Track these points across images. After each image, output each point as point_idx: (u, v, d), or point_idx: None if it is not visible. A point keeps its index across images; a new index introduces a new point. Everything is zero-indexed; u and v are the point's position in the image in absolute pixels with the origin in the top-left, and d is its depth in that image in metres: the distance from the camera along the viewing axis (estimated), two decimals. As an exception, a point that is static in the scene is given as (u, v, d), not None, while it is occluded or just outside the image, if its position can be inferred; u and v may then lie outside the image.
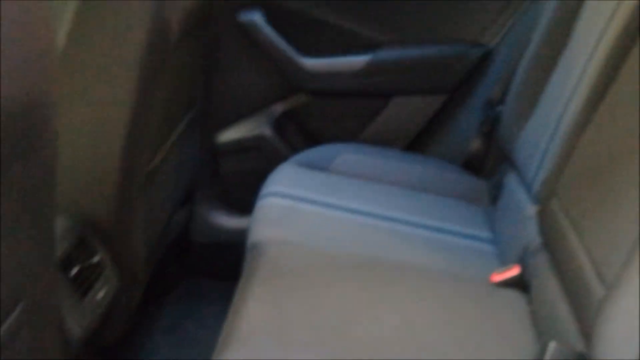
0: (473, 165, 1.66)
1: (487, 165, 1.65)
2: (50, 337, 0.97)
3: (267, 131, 1.77)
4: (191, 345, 1.63)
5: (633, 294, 0.84)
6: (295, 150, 1.74)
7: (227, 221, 1.85)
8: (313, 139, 1.79)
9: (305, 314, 1.08)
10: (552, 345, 0.96)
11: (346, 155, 1.62)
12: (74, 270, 1.11)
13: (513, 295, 1.21)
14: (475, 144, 1.66)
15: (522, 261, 1.25)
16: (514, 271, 1.24)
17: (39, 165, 0.84)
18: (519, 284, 1.23)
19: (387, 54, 1.69)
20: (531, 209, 1.29)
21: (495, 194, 1.53)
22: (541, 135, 1.35)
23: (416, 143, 1.77)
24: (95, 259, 1.16)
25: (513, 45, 1.64)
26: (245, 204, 1.79)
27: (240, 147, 1.79)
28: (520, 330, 1.11)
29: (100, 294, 1.16)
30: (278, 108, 1.77)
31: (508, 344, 1.08)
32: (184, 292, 1.83)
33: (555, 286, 1.11)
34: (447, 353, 1.04)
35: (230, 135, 1.79)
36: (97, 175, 1.18)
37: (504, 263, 1.33)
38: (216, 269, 1.87)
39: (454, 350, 1.05)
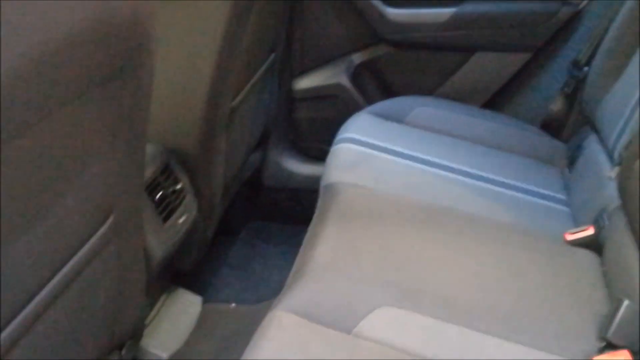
0: (552, 126, 1.63)
1: (566, 127, 1.62)
2: (134, 253, 1.03)
3: (344, 80, 1.78)
4: (257, 283, 1.67)
5: None
6: (370, 101, 1.75)
7: (298, 167, 1.88)
8: (390, 91, 1.79)
9: (373, 254, 1.10)
10: (625, 303, 0.96)
11: (422, 108, 1.62)
12: (158, 195, 1.16)
13: (586, 254, 1.20)
14: (556, 106, 1.62)
15: (597, 222, 1.24)
16: (588, 231, 1.23)
17: (136, 87, 0.88)
18: (593, 244, 1.22)
19: (473, 8, 1.66)
20: (611, 171, 1.26)
21: (573, 157, 1.51)
22: (627, 99, 1.31)
23: (494, 101, 1.75)
24: (178, 186, 1.21)
25: (604, 6, 1.59)
26: (317, 152, 1.82)
27: (317, 94, 1.81)
28: (592, 288, 1.10)
29: (180, 220, 1.21)
30: (357, 58, 1.77)
31: (578, 300, 1.08)
32: (253, 232, 1.88)
33: (631, 248, 1.09)
34: (514, 310, 1.04)
35: (307, 82, 1.81)
36: (185, 109, 1.22)
37: (578, 224, 1.31)
38: (284, 213, 1.91)
39: (522, 308, 1.05)
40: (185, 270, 1.37)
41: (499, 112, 1.73)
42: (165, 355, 1.21)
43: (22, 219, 0.72)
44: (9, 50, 0.59)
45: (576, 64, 1.59)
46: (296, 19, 1.73)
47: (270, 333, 0.94)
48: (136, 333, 1.13)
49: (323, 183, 1.36)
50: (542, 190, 1.42)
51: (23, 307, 0.76)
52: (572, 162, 1.50)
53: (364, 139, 1.46)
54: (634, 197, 1.12)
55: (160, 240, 1.13)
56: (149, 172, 1.14)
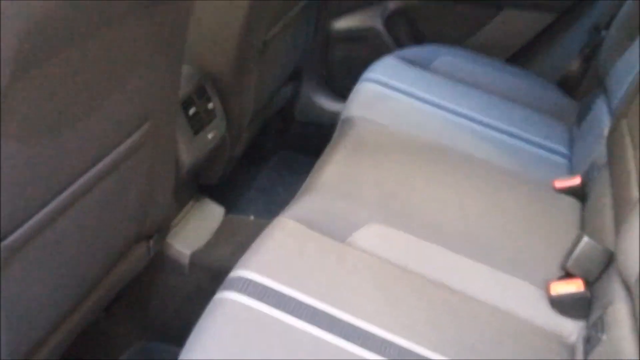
0: (568, 85, 1.73)
1: (581, 87, 1.71)
2: (165, 157, 1.18)
3: (378, 24, 1.89)
4: (278, 204, 1.83)
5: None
6: (401, 45, 1.86)
7: (329, 104, 2.01)
8: (420, 38, 1.89)
9: (373, 180, 1.24)
10: (584, 239, 1.08)
11: (447, 57, 1.72)
12: (191, 111, 1.31)
13: (569, 201, 1.31)
14: (574, 65, 1.71)
15: (585, 174, 1.35)
16: (575, 181, 1.34)
17: (176, 11, 1.02)
18: (578, 193, 1.33)
19: (505, -35, 1.75)
20: (606, 130, 1.36)
21: (582, 115, 1.60)
22: (634, 64, 1.40)
23: (517, 56, 1.84)
24: (210, 105, 1.36)
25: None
26: (347, 90, 1.94)
27: (351, 36, 1.92)
28: (566, 229, 1.22)
29: (209, 136, 1.36)
30: (392, 4, 1.88)
31: (550, 237, 1.20)
32: (281, 161, 2.03)
33: (608, 200, 1.20)
34: (490, 239, 1.17)
35: (343, 23, 1.93)
36: (221, 37, 1.36)
37: (572, 175, 1.42)
38: (313, 147, 2.04)
39: (498, 238, 1.18)
40: (212, 183, 1.54)
41: (520, 67, 1.82)
42: (188, 251, 1.38)
43: (75, 111, 0.88)
44: None
45: (596, 28, 1.67)
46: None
47: (274, 235, 1.09)
48: (163, 229, 1.30)
49: (342, 116, 1.50)
50: (545, 142, 1.53)
51: (68, 185, 0.92)
52: (580, 119, 1.60)
53: (386, 80, 1.58)
54: (618, 154, 1.23)
55: (189, 150, 1.29)
56: (185, 90, 1.29)
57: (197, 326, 0.92)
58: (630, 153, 1.15)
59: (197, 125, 1.32)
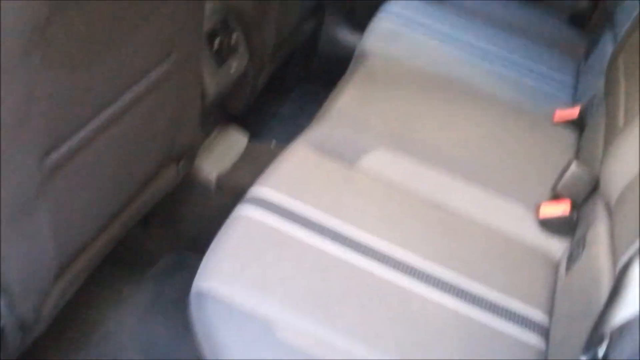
0: (579, 20, 1.78)
1: (591, 22, 1.76)
2: (191, 86, 1.29)
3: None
4: (299, 133, 1.94)
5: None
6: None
7: (350, 38, 2.08)
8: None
9: (382, 109, 1.34)
10: (574, 164, 1.18)
11: (464, -8, 1.78)
12: (215, 44, 1.41)
13: (567, 131, 1.40)
14: (584, 1, 1.76)
15: (585, 106, 1.43)
16: (574, 112, 1.42)
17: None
18: (577, 124, 1.42)
19: None
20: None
21: (590, 48, 1.66)
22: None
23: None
24: (233, 38, 1.46)
25: None
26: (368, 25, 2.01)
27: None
28: (561, 157, 1.31)
29: (233, 67, 1.46)
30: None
31: (545, 163, 1.29)
32: (303, 93, 2.13)
33: (601, 130, 1.29)
34: (487, 164, 1.27)
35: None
36: None
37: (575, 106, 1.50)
38: (333, 79, 2.13)
39: (495, 163, 1.28)
40: (236, 113, 1.65)
41: (533, 2, 1.86)
42: (214, 174, 1.51)
43: (107, 43, 0.98)
44: None
45: (608, -37, 1.70)
46: None
47: (289, 158, 1.21)
48: (190, 153, 1.42)
49: (358, 49, 1.58)
50: (553, 75, 1.60)
51: (102, 110, 1.03)
52: (587, 53, 1.66)
53: (402, 14, 1.66)
54: (613, 87, 1.30)
55: (214, 79, 1.39)
56: (210, 23, 1.39)
57: (217, 237, 1.05)
58: (622, 85, 1.22)
59: (221, 57, 1.42)
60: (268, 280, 0.97)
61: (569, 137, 1.38)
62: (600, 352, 0.75)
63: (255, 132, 1.79)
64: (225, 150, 1.59)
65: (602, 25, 1.67)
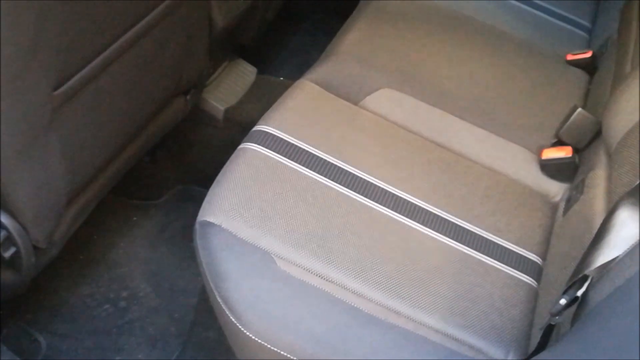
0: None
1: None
2: (199, 18, 1.30)
3: None
4: (309, 65, 1.93)
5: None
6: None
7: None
8: None
9: (391, 48, 1.33)
10: (578, 110, 1.18)
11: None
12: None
13: (578, 74, 1.39)
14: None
15: (598, 49, 1.41)
16: (587, 54, 1.41)
17: None
18: (589, 66, 1.41)
19: None
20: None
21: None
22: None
23: None
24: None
25: None
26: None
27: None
28: (568, 101, 1.30)
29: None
30: None
31: (552, 106, 1.29)
32: (315, 25, 2.10)
33: (611, 74, 1.28)
34: (494, 106, 1.27)
35: None
36: None
37: (591, 49, 1.48)
38: (346, 10, 2.11)
39: (502, 106, 1.28)
40: (246, 44, 1.65)
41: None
42: (222, 107, 1.53)
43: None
44: None
45: None
46: None
47: (293, 95, 1.22)
48: (199, 84, 1.43)
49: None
50: (570, 16, 1.58)
51: (111, 43, 1.04)
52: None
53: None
54: (625, 31, 1.29)
55: (222, 13, 1.39)
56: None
57: (222, 171, 1.07)
58: (634, 30, 1.21)
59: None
60: (269, 215, 0.99)
61: (579, 80, 1.37)
62: (580, 292, 0.78)
63: (265, 65, 1.80)
64: (233, 84, 1.60)
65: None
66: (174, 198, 1.52)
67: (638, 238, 0.76)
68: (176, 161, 1.59)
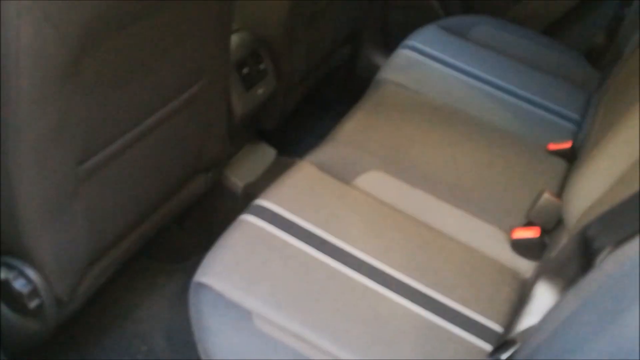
0: (594, 56, 1.87)
1: (605, 58, 1.85)
2: (218, 109, 1.49)
3: (430, -6, 2.10)
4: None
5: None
6: (451, 14, 2.06)
7: (386, 63, 2.25)
8: (467, 8, 2.08)
9: (384, 135, 1.50)
10: (544, 195, 1.30)
11: (484, 26, 1.91)
12: (244, 71, 1.61)
13: (557, 162, 1.51)
14: (599, 38, 1.86)
15: (578, 138, 1.53)
16: (567, 145, 1.53)
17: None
18: (568, 156, 1.53)
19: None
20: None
21: (602, 84, 1.76)
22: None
23: (551, 28, 1.99)
24: (262, 66, 1.65)
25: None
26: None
27: (406, 4, 2.14)
28: (545, 188, 1.42)
29: (260, 91, 1.66)
30: (445, -24, 2.08)
31: (529, 191, 1.41)
32: (341, 112, 2.29)
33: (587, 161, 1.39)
34: (473, 190, 1.41)
35: (401, -8, 2.15)
36: (273, 6, 1.63)
37: (577, 140, 1.61)
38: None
39: (480, 189, 1.41)
40: (269, 129, 1.84)
41: (552, 37, 1.97)
42: (241, 183, 1.70)
43: (138, 71, 1.18)
44: None
45: (622, 3, 1.79)
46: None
47: (292, 174, 1.38)
48: (219, 164, 1.62)
49: (375, 78, 1.74)
50: (559, 108, 1.71)
51: (133, 127, 1.23)
52: (599, 88, 1.76)
53: (421, 47, 1.81)
54: (595, 122, 1.41)
55: (241, 103, 1.59)
56: (240, 53, 1.58)
57: (221, 238, 1.23)
58: (599, 120, 1.34)
59: (249, 82, 1.61)
60: (256, 277, 1.15)
61: (558, 167, 1.49)
62: (504, 356, 0.88)
63: (288, 148, 1.98)
64: (253, 163, 1.79)
65: (614, 62, 1.76)
66: (198, 261, 1.68)
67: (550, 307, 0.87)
68: (202, 229, 1.77)
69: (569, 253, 0.90)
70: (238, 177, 1.72)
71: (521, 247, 1.31)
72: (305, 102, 2.04)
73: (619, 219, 0.78)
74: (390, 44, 2.24)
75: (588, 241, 0.82)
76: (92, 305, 1.36)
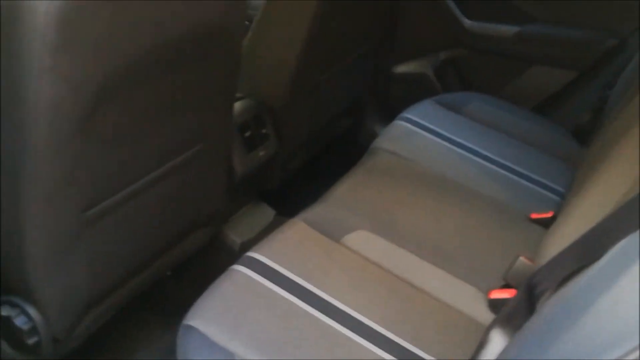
0: (581, 133, 1.97)
1: (592, 135, 1.94)
2: (217, 169, 1.58)
3: (429, 72, 2.23)
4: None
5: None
6: (448, 90, 2.18)
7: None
8: (464, 85, 2.20)
9: (373, 198, 1.59)
10: (519, 259, 1.37)
11: (478, 103, 2.02)
12: (247, 134, 1.72)
13: (537, 230, 1.58)
14: (586, 117, 1.96)
15: (558, 208, 1.61)
16: (549, 214, 1.60)
17: (224, 63, 1.41)
18: (549, 225, 1.59)
19: (534, 29, 2.04)
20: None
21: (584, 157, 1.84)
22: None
23: (543, 105, 2.10)
24: (264, 130, 1.76)
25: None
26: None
27: (407, 79, 2.27)
28: (524, 253, 1.49)
29: (262, 153, 1.77)
30: (442, 55, 2.21)
31: (505, 256, 1.47)
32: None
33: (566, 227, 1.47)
34: (455, 252, 1.48)
35: (402, 68, 2.28)
36: (278, 76, 1.75)
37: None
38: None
39: (462, 252, 1.48)
40: (270, 189, 1.95)
41: (542, 115, 2.08)
42: (239, 240, 1.79)
43: (145, 128, 1.29)
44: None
45: (607, 85, 1.90)
46: (399, 19, 2.20)
47: (284, 230, 1.47)
48: (218, 219, 1.71)
49: (371, 146, 1.85)
50: (544, 181, 1.79)
51: (136, 180, 1.32)
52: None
53: (417, 119, 1.92)
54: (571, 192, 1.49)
55: (242, 163, 1.70)
56: (243, 117, 1.70)
57: (212, 285, 1.31)
58: (573, 189, 1.42)
59: (251, 144, 1.73)
60: (241, 322, 1.22)
61: (535, 234, 1.56)
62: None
63: (287, 208, 2.07)
64: (252, 222, 1.88)
65: (597, 139, 1.86)
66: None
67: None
68: (199, 283, 1.84)
69: (518, 300, 0.97)
70: (236, 234, 1.81)
71: (498, 307, 1.36)
72: (308, 166, 2.15)
73: (560, 263, 0.85)
74: (391, 116, 2.37)
75: (532, 287, 0.89)
76: (93, 346, 1.43)
